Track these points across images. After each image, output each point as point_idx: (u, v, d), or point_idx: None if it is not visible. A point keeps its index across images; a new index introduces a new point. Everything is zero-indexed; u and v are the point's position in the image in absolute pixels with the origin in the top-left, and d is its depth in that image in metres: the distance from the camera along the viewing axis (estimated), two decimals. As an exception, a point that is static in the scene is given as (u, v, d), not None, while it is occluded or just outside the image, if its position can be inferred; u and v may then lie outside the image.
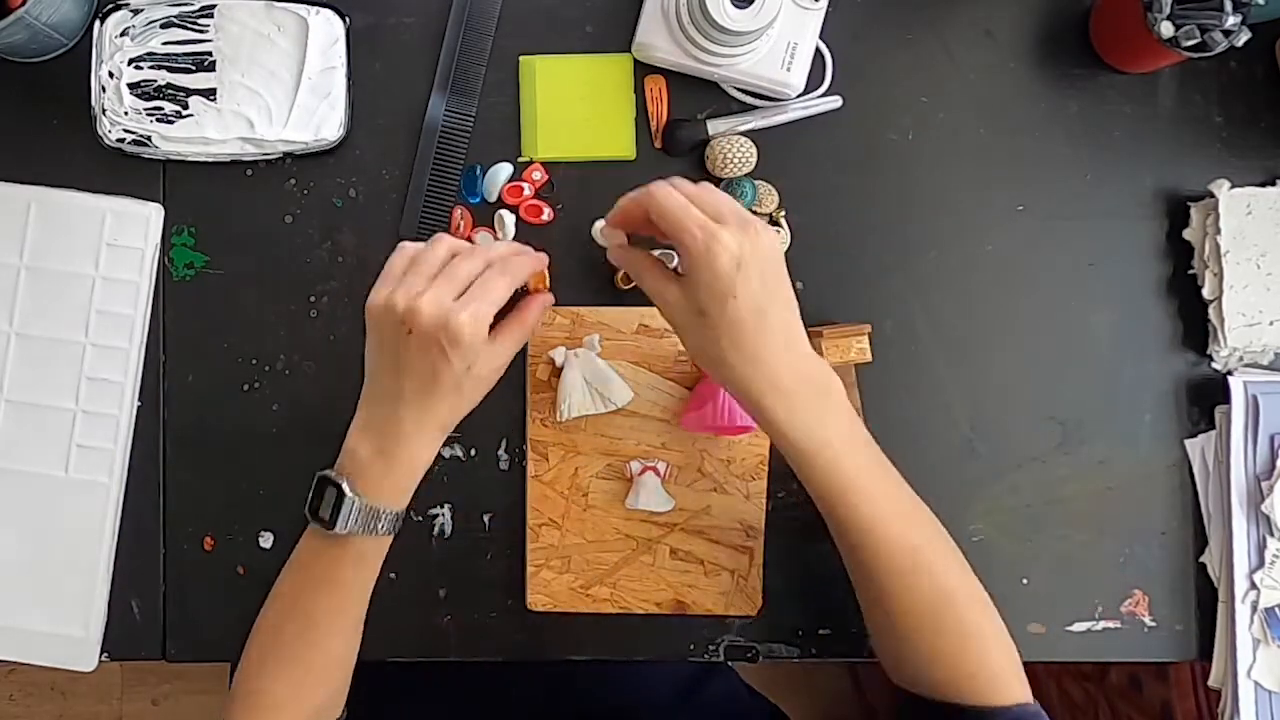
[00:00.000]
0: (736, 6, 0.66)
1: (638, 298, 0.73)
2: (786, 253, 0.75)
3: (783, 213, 0.74)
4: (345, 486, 0.61)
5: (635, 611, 0.74)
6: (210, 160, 0.73)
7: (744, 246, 0.57)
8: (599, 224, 0.68)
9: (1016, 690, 0.63)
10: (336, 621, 0.65)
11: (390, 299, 0.60)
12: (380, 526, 0.63)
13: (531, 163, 0.74)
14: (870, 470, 0.63)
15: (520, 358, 0.74)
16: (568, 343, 0.73)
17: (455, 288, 0.60)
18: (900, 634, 0.64)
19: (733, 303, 0.58)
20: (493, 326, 0.61)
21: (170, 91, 0.72)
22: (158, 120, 0.72)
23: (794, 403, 0.60)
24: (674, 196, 0.58)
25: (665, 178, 0.60)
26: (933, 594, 0.62)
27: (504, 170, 0.73)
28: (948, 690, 0.63)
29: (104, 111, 0.71)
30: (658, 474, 0.72)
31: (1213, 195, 0.73)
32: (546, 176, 0.74)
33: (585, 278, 0.74)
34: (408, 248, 0.63)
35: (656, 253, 0.63)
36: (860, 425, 0.63)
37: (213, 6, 0.72)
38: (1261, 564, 0.74)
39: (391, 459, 0.62)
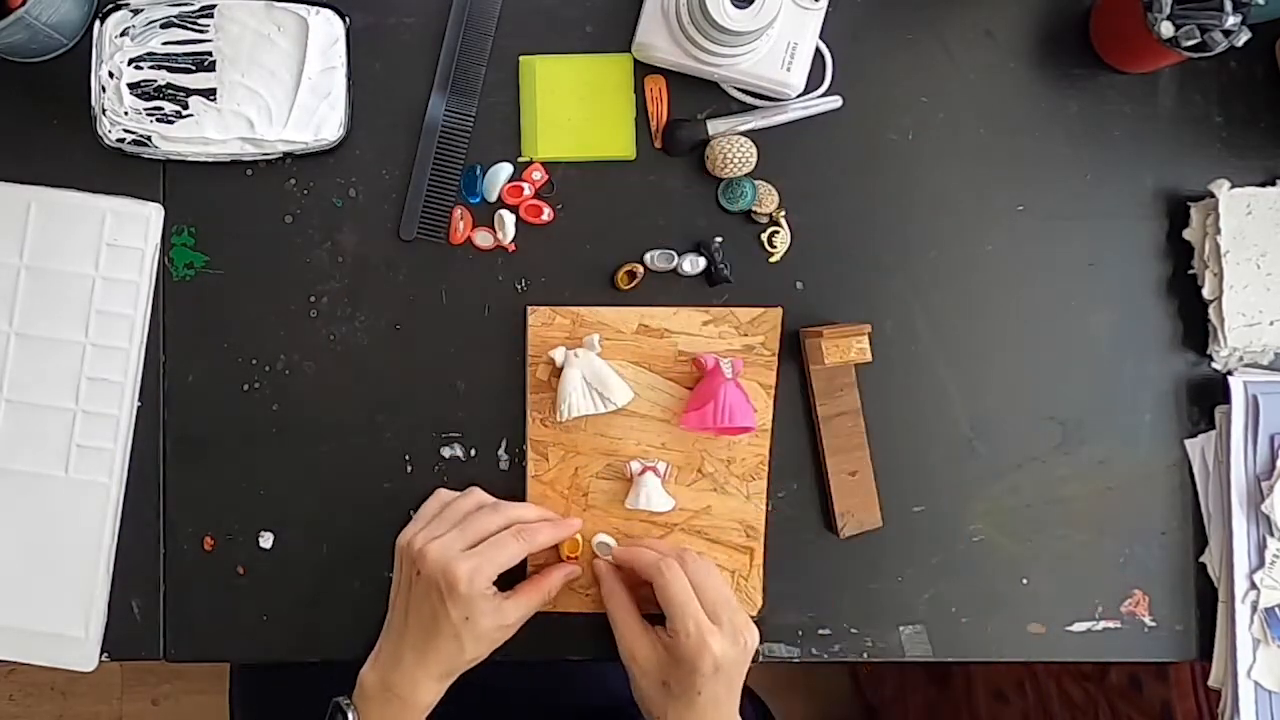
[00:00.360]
0: (736, 6, 0.66)
1: (638, 298, 0.73)
2: (786, 253, 0.75)
3: (783, 213, 0.74)
4: (351, 715, 0.66)
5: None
6: (210, 160, 0.73)
7: (726, 655, 0.64)
8: (602, 537, 0.73)
9: None
10: None
11: (411, 538, 0.66)
12: None
13: (531, 163, 0.74)
14: None
15: (520, 358, 0.74)
16: (568, 343, 0.73)
17: (468, 540, 0.65)
18: None
19: (697, 697, 0.65)
20: (509, 586, 0.67)
21: (170, 91, 0.72)
22: (158, 120, 0.72)
23: None
24: (680, 583, 0.65)
25: (684, 551, 0.68)
26: None
27: (504, 170, 0.73)
28: None
29: (104, 111, 0.71)
30: (658, 474, 0.72)
31: (1213, 195, 0.74)
32: (546, 177, 0.74)
33: (585, 278, 0.74)
34: (444, 495, 0.69)
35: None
36: None
37: (213, 6, 0.72)
38: (1261, 564, 0.74)
39: (393, 694, 0.66)
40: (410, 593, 0.66)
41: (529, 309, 0.74)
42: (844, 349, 0.71)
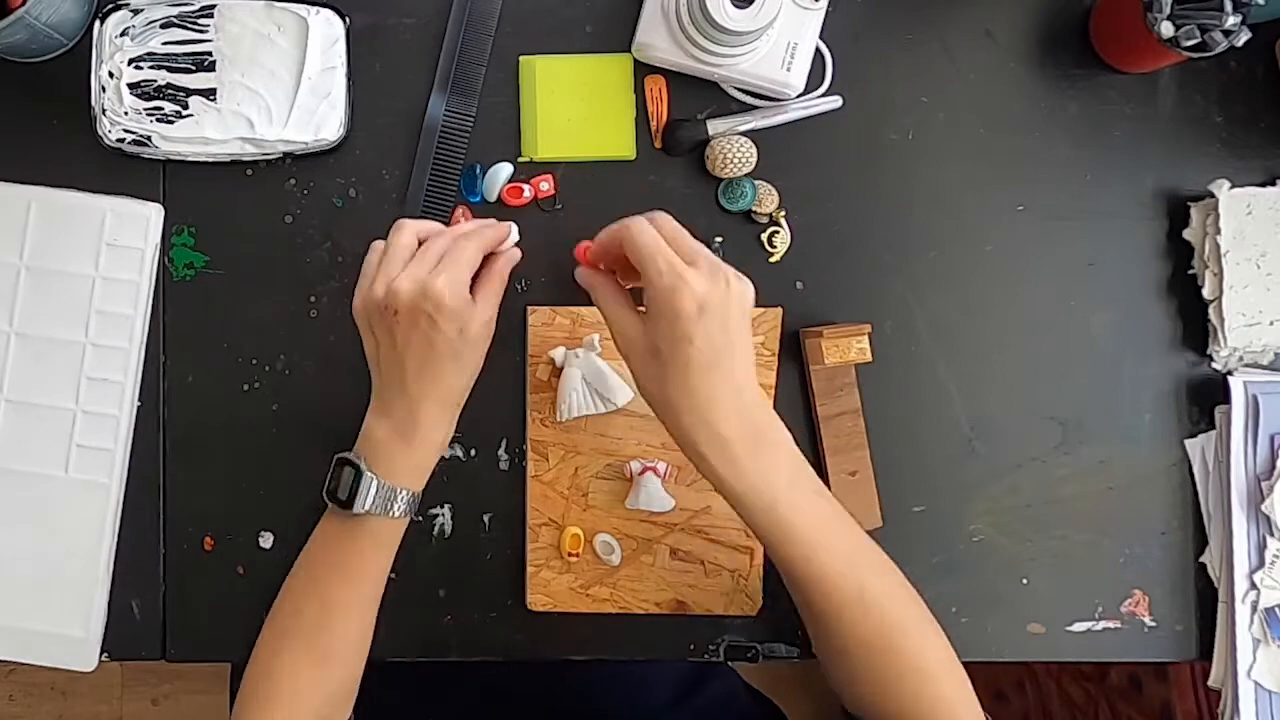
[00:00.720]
0: (736, 6, 0.66)
1: (637, 297, 0.73)
2: (786, 253, 0.75)
3: (783, 213, 0.74)
4: (363, 465, 0.63)
5: (635, 611, 0.74)
6: (210, 160, 0.73)
7: (710, 293, 0.57)
8: (604, 536, 0.72)
9: None
10: (354, 607, 0.66)
11: (371, 291, 0.63)
12: (396, 507, 0.64)
13: (532, 163, 0.74)
14: (813, 518, 0.61)
15: (520, 358, 0.74)
16: (568, 343, 0.73)
17: (429, 265, 0.62)
18: (852, 671, 0.64)
19: (688, 347, 0.57)
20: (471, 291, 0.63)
21: (170, 91, 0.72)
22: (158, 120, 0.72)
23: (734, 453, 0.59)
24: (648, 232, 0.59)
25: (657, 211, 0.61)
26: (882, 631, 0.62)
27: (504, 170, 0.73)
28: None
29: (104, 111, 0.71)
30: (658, 474, 0.72)
31: (1213, 195, 0.73)
32: (554, 191, 0.74)
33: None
34: (377, 245, 0.64)
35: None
36: (805, 472, 0.62)
37: (213, 6, 0.72)
38: (1261, 564, 0.74)
39: (408, 438, 0.64)
40: (395, 337, 0.63)
41: (529, 309, 0.73)
42: (844, 349, 0.71)
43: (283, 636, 0.66)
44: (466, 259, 0.63)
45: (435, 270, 0.62)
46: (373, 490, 0.63)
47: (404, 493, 0.64)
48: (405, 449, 0.64)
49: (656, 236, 0.59)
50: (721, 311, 0.58)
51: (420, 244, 0.64)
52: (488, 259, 0.66)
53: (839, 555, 0.62)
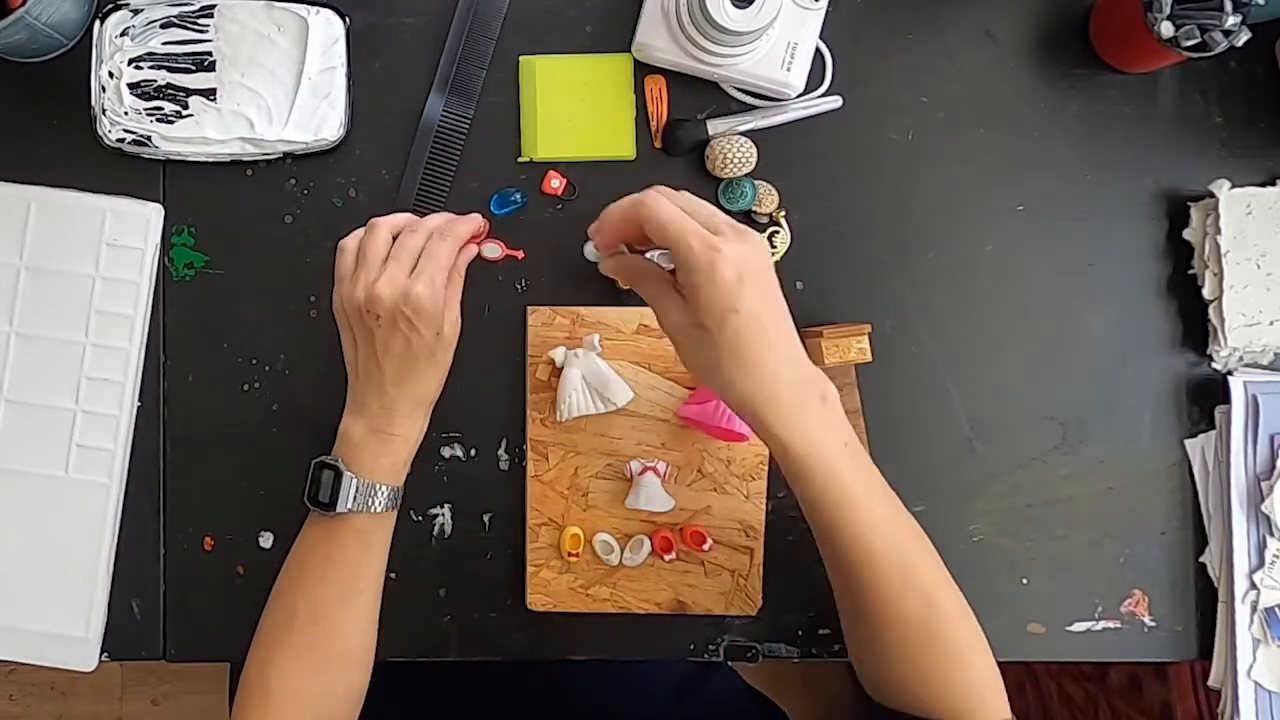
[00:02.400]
0: (736, 6, 0.66)
1: (638, 298, 0.73)
2: (786, 253, 0.75)
3: (783, 213, 0.74)
4: (341, 466, 0.65)
5: (635, 611, 0.74)
6: (210, 160, 0.73)
7: (743, 259, 0.57)
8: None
9: (997, 706, 0.63)
10: (348, 608, 0.66)
11: (351, 293, 0.65)
12: (377, 502, 0.66)
13: (535, 164, 0.74)
14: (864, 481, 0.61)
15: (520, 358, 0.74)
16: (568, 343, 0.73)
17: (406, 266, 0.65)
18: (884, 650, 0.63)
19: (734, 316, 0.57)
20: None
21: (170, 91, 0.72)
22: (158, 120, 0.72)
23: (794, 412, 0.59)
24: (669, 207, 0.57)
25: (652, 186, 0.60)
26: (920, 609, 0.62)
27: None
28: (930, 707, 0.62)
29: (104, 111, 0.71)
30: (658, 474, 0.72)
31: (1213, 195, 0.73)
32: (565, 181, 0.74)
33: (585, 278, 0.74)
34: (349, 244, 0.66)
35: (654, 255, 0.61)
36: (854, 435, 0.62)
37: (213, 6, 0.72)
38: (1261, 564, 0.74)
39: (385, 437, 0.66)
40: (374, 339, 0.65)
41: (529, 309, 0.74)
42: (844, 349, 0.71)
43: (275, 642, 0.66)
44: (444, 261, 0.66)
45: (414, 273, 0.64)
46: (353, 489, 0.65)
47: (383, 488, 0.66)
48: (383, 447, 0.66)
49: (679, 211, 0.57)
50: (756, 275, 0.57)
51: (394, 238, 0.66)
52: None
53: (886, 526, 0.61)
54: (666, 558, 0.73)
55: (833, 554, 0.63)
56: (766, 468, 0.74)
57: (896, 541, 0.62)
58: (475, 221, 0.70)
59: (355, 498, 0.65)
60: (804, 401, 0.59)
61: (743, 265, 0.56)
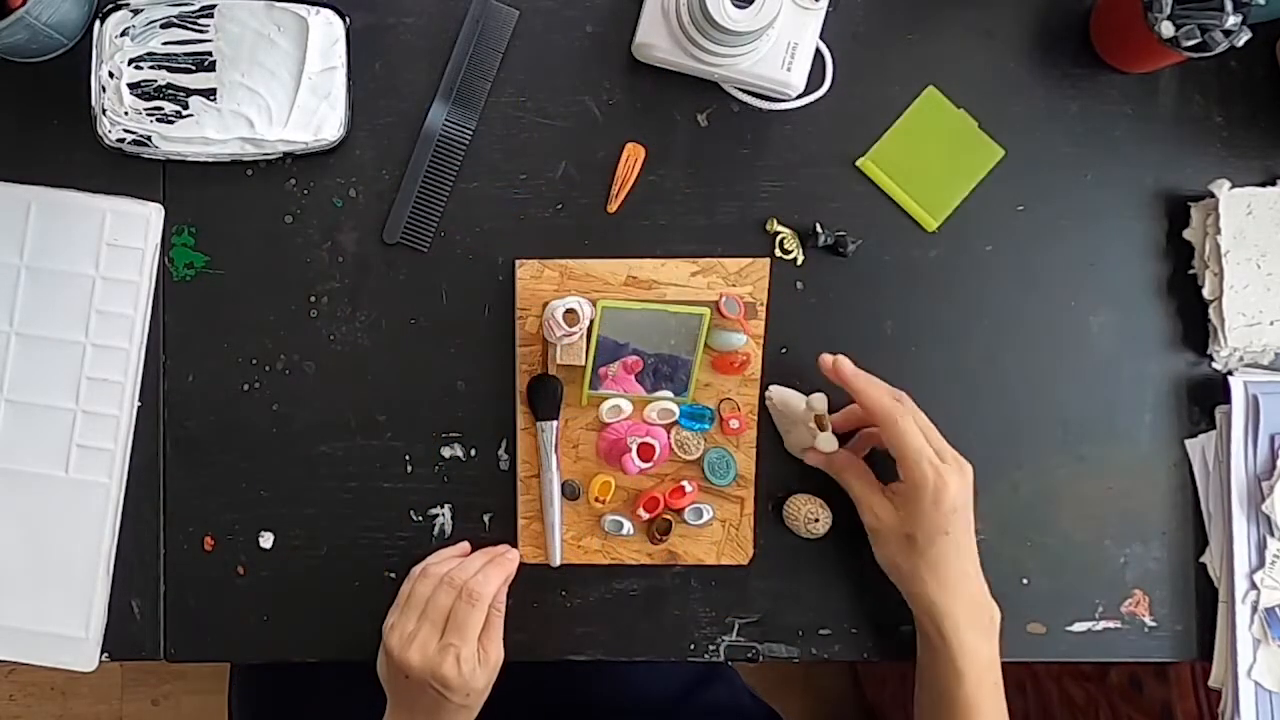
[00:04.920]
0: (737, 7, 0.66)
1: (625, 250, 0.73)
2: (794, 260, 0.75)
3: (796, 239, 0.75)
4: None
5: (627, 562, 0.74)
6: (210, 160, 0.73)
7: (960, 492, 0.67)
8: (779, 392, 0.73)
9: None
10: None
11: (387, 642, 0.67)
12: None
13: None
14: (992, 702, 0.69)
15: (512, 357, 0.74)
16: (556, 295, 0.72)
17: (437, 629, 0.66)
18: None
19: (943, 539, 0.67)
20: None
21: (170, 91, 0.72)
22: (158, 120, 0.72)
23: (967, 626, 0.68)
24: (914, 434, 0.67)
25: (897, 391, 0.69)
26: None
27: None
28: None
29: (104, 111, 0.71)
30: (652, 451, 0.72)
31: (1213, 195, 0.73)
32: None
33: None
34: (414, 573, 0.70)
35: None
36: (998, 662, 0.70)
37: (213, 6, 0.72)
38: (1261, 564, 0.74)
39: None
40: (407, 688, 0.67)
41: (517, 262, 0.73)
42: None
43: None
44: (471, 631, 0.66)
45: (443, 645, 0.66)
46: None
47: None
48: None
49: (921, 438, 0.67)
50: (967, 506, 0.68)
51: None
52: None
53: None
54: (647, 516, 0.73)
55: None
56: (756, 417, 0.74)
57: None
58: (510, 566, 0.71)
59: None
60: (978, 618, 0.69)
61: (959, 498, 0.67)
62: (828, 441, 0.71)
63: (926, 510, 0.66)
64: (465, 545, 0.73)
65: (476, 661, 0.66)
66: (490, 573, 0.69)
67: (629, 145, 0.74)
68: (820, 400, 0.71)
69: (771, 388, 0.73)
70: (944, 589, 0.68)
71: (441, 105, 0.74)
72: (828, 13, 0.71)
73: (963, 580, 0.69)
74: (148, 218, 0.73)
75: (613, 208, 0.74)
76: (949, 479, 0.66)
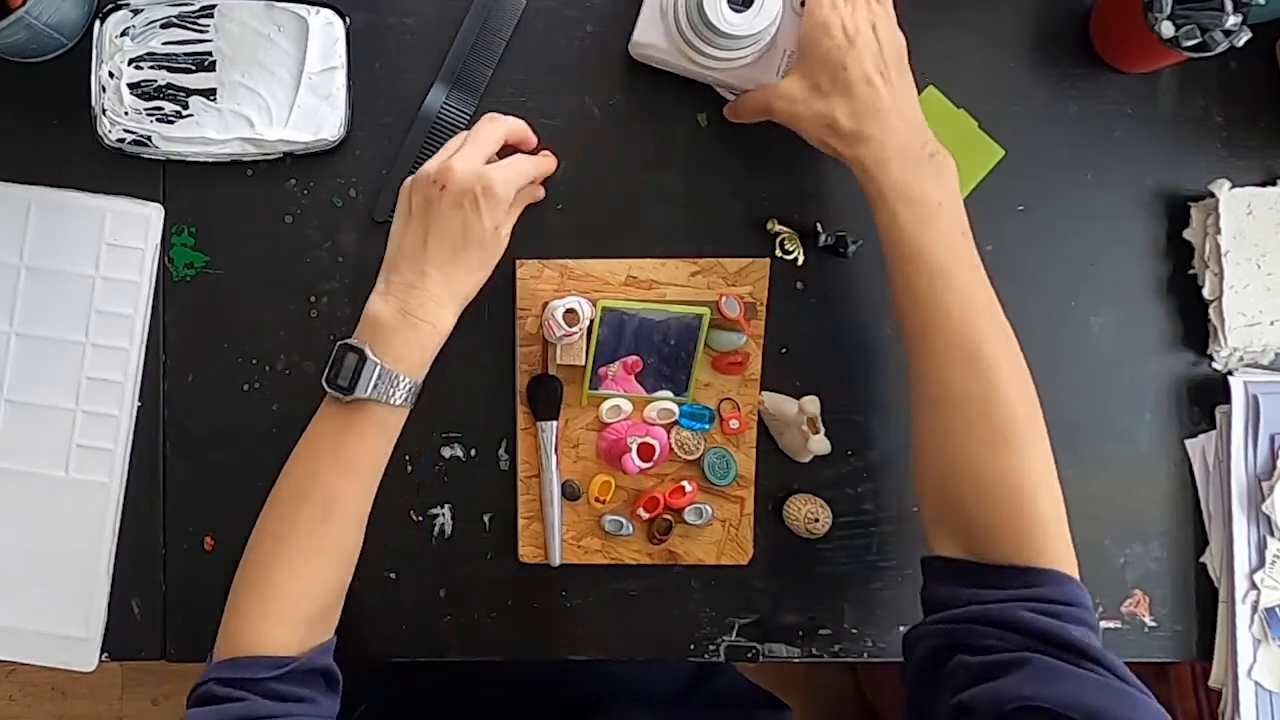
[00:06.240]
0: (734, 10, 0.66)
1: (622, 249, 0.73)
2: (794, 260, 0.75)
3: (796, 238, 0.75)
4: (367, 350, 0.63)
5: (627, 562, 0.74)
6: (210, 160, 0.73)
7: (856, 18, 0.64)
8: (770, 397, 0.73)
9: (1056, 550, 0.61)
10: (354, 502, 0.64)
11: (424, 168, 0.65)
12: (397, 395, 0.63)
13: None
14: (955, 253, 0.64)
15: (512, 357, 0.74)
16: (556, 295, 0.72)
17: (484, 153, 0.65)
18: (943, 441, 0.63)
19: (845, 74, 0.64)
20: None
21: (170, 91, 0.72)
22: (158, 120, 0.72)
23: (904, 159, 0.63)
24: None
25: None
26: (988, 401, 0.61)
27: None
28: (985, 537, 0.61)
29: (104, 111, 0.71)
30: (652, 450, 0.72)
31: (1213, 195, 0.73)
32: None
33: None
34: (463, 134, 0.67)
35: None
36: (960, 210, 0.64)
37: (213, 6, 0.72)
38: (1261, 564, 0.74)
39: (414, 323, 0.64)
40: (431, 212, 0.64)
41: (517, 262, 0.73)
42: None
43: (281, 538, 0.63)
44: (525, 170, 0.66)
45: (498, 163, 0.65)
46: (375, 375, 0.62)
47: (405, 380, 0.63)
48: (412, 334, 0.63)
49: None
50: (873, 39, 0.64)
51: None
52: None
53: (964, 299, 0.63)
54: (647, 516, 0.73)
55: (904, 310, 0.65)
56: (756, 417, 0.74)
57: (973, 322, 0.63)
58: (552, 161, 0.71)
59: (376, 385, 0.62)
60: (915, 151, 0.64)
61: (855, 25, 0.64)
62: (820, 444, 0.71)
63: (826, 50, 0.64)
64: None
65: (515, 186, 0.65)
66: (545, 159, 0.70)
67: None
68: (813, 403, 0.71)
69: (763, 394, 0.73)
70: (870, 125, 0.63)
71: (442, 88, 0.74)
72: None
73: (893, 118, 0.64)
74: (148, 218, 0.73)
75: None
76: (841, 9, 0.65)
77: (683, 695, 0.90)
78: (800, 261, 0.74)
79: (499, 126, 0.67)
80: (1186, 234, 0.75)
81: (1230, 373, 0.75)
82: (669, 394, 0.73)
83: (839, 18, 0.65)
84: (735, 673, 0.96)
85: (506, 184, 0.64)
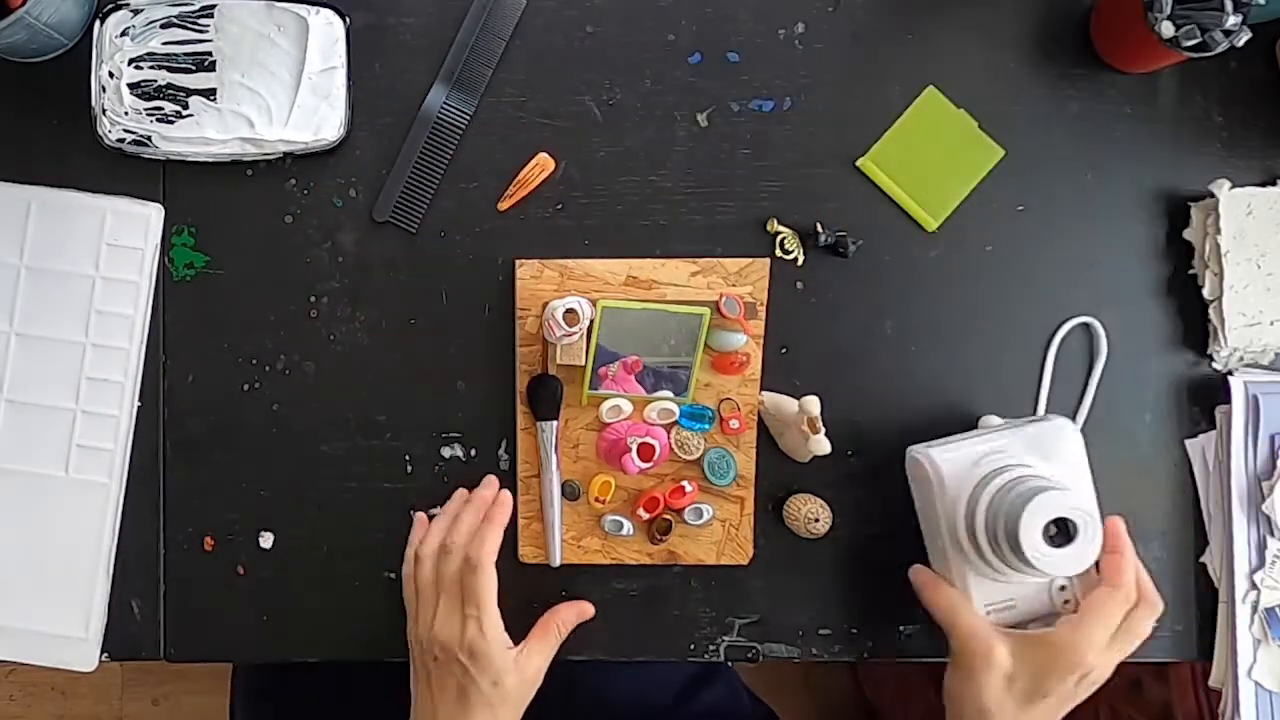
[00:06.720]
0: (1052, 545, 0.64)
1: (623, 250, 0.73)
2: (794, 260, 0.75)
3: (797, 239, 0.75)
4: None
5: (627, 562, 0.74)
6: (210, 160, 0.73)
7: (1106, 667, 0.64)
8: (769, 397, 0.73)
9: None
10: None
11: (415, 634, 0.67)
12: None
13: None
14: None
15: (512, 357, 0.74)
16: (556, 295, 0.72)
17: (455, 599, 0.66)
18: None
19: (1041, 686, 0.63)
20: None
21: (170, 91, 0.72)
22: (158, 120, 0.72)
23: None
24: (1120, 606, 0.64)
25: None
26: None
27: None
28: None
29: (104, 111, 0.71)
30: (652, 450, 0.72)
31: (1213, 195, 0.73)
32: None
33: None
34: (409, 572, 0.69)
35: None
36: None
37: (213, 6, 0.72)
38: (1261, 564, 0.74)
39: None
40: (431, 680, 0.66)
41: (517, 262, 0.73)
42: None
43: None
44: (487, 594, 0.66)
45: (464, 616, 0.65)
46: None
47: None
48: None
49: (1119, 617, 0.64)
50: (1089, 689, 0.64)
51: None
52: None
53: None
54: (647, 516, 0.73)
55: None
56: (756, 417, 0.74)
57: None
58: (503, 516, 0.70)
59: None
60: None
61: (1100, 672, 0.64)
62: (820, 444, 0.70)
63: (1061, 668, 0.62)
64: (462, 491, 0.72)
65: (508, 652, 0.66)
66: (485, 534, 0.68)
67: (540, 155, 0.74)
68: (813, 403, 0.71)
69: (763, 394, 0.73)
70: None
71: (441, 87, 0.74)
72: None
73: None
74: (148, 218, 0.73)
75: (503, 206, 0.74)
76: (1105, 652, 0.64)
77: (680, 700, 0.90)
78: (800, 261, 0.75)
79: (454, 561, 0.67)
80: (1186, 234, 0.75)
81: (1230, 373, 0.75)
82: (669, 394, 0.73)
83: (1096, 658, 0.63)
84: (735, 680, 0.96)
85: (484, 632, 0.65)
